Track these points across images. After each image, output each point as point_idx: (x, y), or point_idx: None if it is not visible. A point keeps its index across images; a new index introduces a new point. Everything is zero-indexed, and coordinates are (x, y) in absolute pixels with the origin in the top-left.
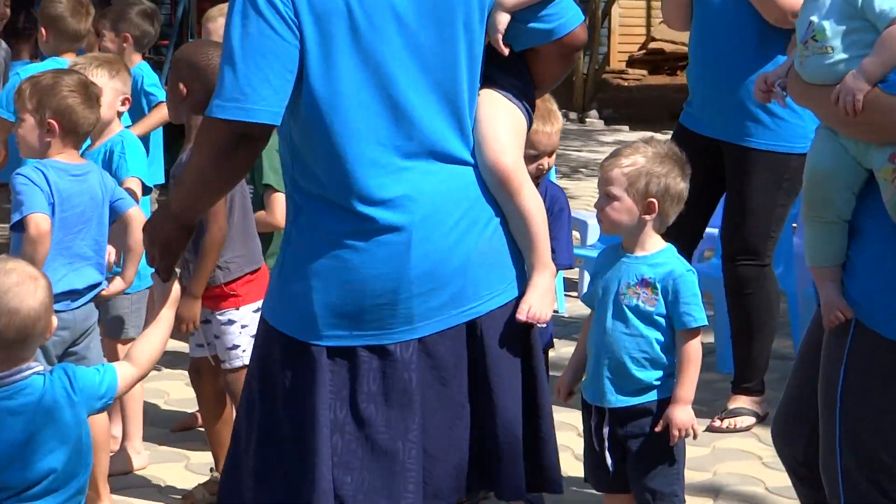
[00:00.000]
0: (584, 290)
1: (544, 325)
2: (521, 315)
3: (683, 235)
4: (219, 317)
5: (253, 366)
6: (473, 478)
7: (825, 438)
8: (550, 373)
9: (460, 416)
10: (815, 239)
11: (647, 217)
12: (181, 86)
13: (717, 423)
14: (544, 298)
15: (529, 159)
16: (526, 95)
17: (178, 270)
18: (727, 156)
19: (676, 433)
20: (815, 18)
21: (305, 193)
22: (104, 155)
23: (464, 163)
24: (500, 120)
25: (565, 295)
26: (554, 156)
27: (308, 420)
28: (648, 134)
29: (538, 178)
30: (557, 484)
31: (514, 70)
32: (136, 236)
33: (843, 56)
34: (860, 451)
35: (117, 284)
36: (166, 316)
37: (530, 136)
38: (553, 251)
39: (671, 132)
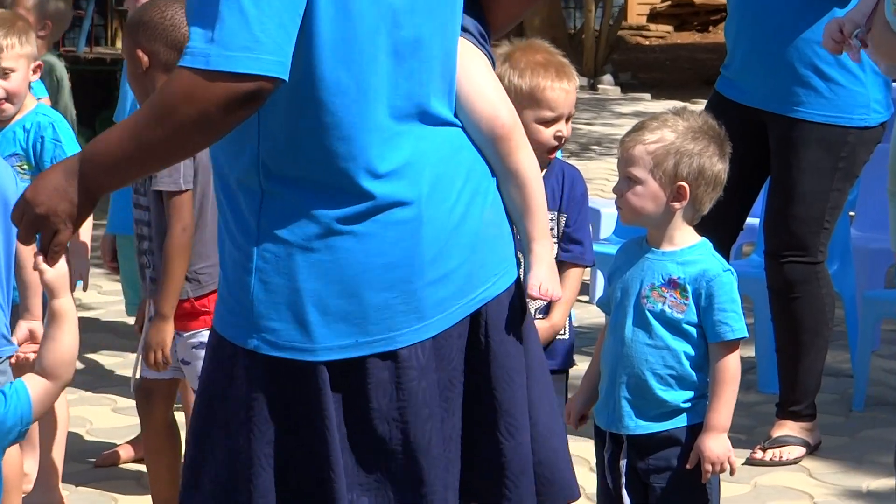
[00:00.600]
0: (599, 293)
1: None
2: (535, 291)
3: (720, 227)
4: (188, 339)
5: (225, 398)
6: (471, 489)
7: None
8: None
9: (458, 420)
10: None
11: (677, 205)
12: (139, 53)
13: (759, 454)
14: (553, 272)
15: (545, 124)
16: (487, 41)
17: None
18: (772, 130)
19: (709, 468)
20: None
21: (276, 177)
22: (27, 139)
23: (451, 123)
24: (481, 70)
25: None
26: (571, 122)
27: (319, 447)
28: (677, 103)
29: (555, 150)
30: (569, 490)
31: (472, 11)
32: (30, 270)
33: None
34: None
35: (34, 333)
36: (65, 305)
37: (543, 95)
38: (580, 244)
39: (703, 101)
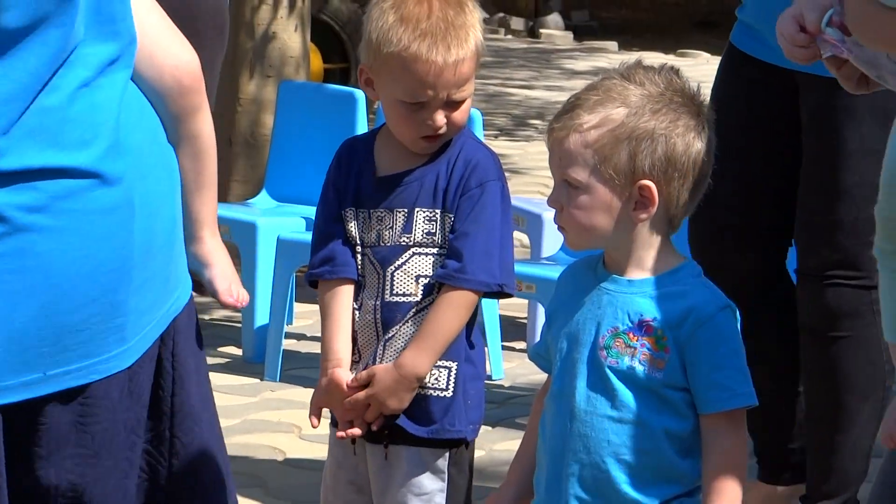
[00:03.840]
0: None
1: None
2: (229, 297)
3: (763, 243)
4: None
5: None
6: None
7: None
8: (474, 485)
9: (136, 472)
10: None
11: (643, 214)
12: None
13: None
14: (233, 270)
15: (407, 110)
16: None
17: None
18: (806, 97)
19: None
20: None
21: None
22: None
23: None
24: (145, 4)
25: (504, 347)
26: (467, 105)
27: None
28: (633, 56)
29: (433, 139)
30: None
31: None
32: None
33: None
34: None
35: None
36: None
37: (411, 67)
38: (459, 258)
39: (696, 52)
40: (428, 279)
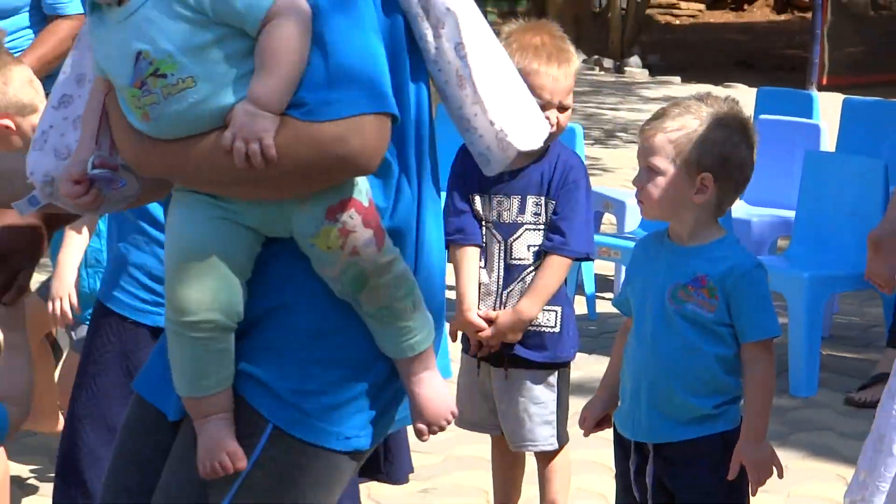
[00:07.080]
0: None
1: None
2: None
3: None
4: None
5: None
6: None
7: None
8: (572, 396)
9: None
10: (191, 357)
11: (701, 198)
12: None
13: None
14: None
15: None
16: None
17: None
18: None
19: (757, 475)
20: (145, 47)
21: None
22: None
23: None
24: None
25: (596, 297)
26: (569, 112)
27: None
28: (709, 88)
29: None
30: None
31: None
32: None
33: (210, 87)
34: None
35: None
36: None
37: (529, 80)
38: (562, 234)
39: (737, 85)
40: (536, 248)
